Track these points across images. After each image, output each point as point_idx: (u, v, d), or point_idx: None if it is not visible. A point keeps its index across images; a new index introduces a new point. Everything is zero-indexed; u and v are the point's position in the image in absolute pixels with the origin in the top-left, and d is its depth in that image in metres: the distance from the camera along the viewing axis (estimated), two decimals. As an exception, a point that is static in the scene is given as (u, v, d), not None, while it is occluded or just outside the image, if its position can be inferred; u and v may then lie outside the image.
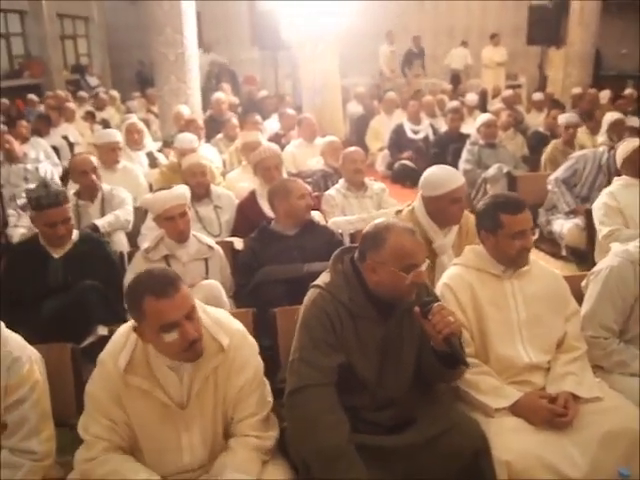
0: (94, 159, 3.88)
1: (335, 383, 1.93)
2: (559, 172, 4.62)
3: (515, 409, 2.07)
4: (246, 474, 1.81)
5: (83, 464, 1.82)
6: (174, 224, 2.88)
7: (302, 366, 1.93)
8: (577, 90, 9.20)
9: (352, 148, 4.27)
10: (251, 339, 1.98)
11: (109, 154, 4.31)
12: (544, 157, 5.51)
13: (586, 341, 2.31)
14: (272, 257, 2.93)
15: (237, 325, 1.98)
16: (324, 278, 2.04)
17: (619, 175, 3.90)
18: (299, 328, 2.00)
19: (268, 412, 1.97)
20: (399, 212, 2.98)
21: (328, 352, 1.92)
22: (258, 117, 6.60)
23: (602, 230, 3.62)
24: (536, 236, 2.29)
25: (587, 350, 2.30)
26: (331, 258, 2.08)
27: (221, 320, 1.93)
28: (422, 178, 2.86)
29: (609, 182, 4.24)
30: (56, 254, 2.95)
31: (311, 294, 2.02)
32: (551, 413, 2.03)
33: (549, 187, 4.63)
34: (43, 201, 2.88)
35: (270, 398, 2.00)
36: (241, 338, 1.93)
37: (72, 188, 3.94)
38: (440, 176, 2.80)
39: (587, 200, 4.46)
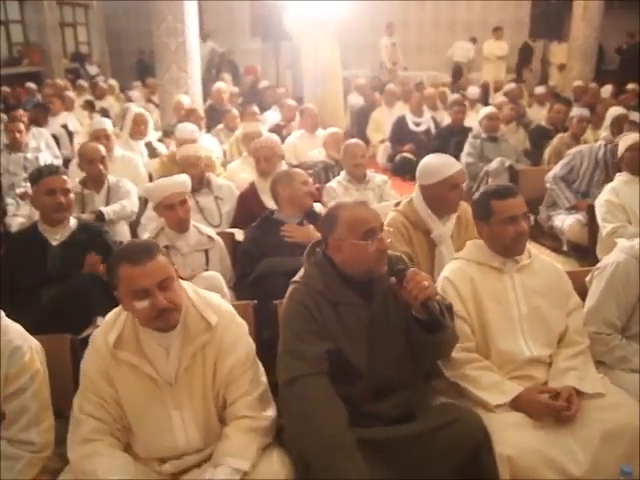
0: (102, 148, 3.85)
1: (328, 373, 1.93)
2: (557, 169, 4.63)
3: (515, 404, 2.06)
4: (243, 459, 1.81)
5: (73, 446, 1.83)
6: (174, 212, 2.87)
7: (288, 359, 1.93)
8: (578, 83, 9.18)
9: (353, 140, 4.23)
10: (240, 320, 2.01)
11: (95, 142, 4.26)
12: (549, 150, 5.51)
13: (589, 337, 2.30)
14: (274, 247, 2.92)
15: (226, 306, 2.01)
16: (299, 273, 2.07)
17: (616, 168, 3.93)
18: (281, 325, 2.02)
19: (262, 391, 1.97)
20: (397, 204, 2.98)
21: (312, 341, 1.93)
22: (256, 108, 6.56)
23: (606, 227, 3.62)
24: (532, 222, 2.27)
25: (590, 346, 2.30)
26: (305, 252, 2.10)
27: (211, 301, 1.97)
28: (419, 167, 2.86)
29: (607, 176, 4.28)
30: (54, 241, 2.93)
31: (288, 290, 2.05)
32: (550, 409, 2.02)
33: (547, 185, 4.63)
34: (42, 170, 3.00)
35: (264, 378, 2.01)
36: (230, 318, 1.96)
37: (77, 176, 3.92)
38: (437, 163, 2.79)
39: (586, 195, 4.46)
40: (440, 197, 2.76)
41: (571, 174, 4.56)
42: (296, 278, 2.06)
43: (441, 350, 2.07)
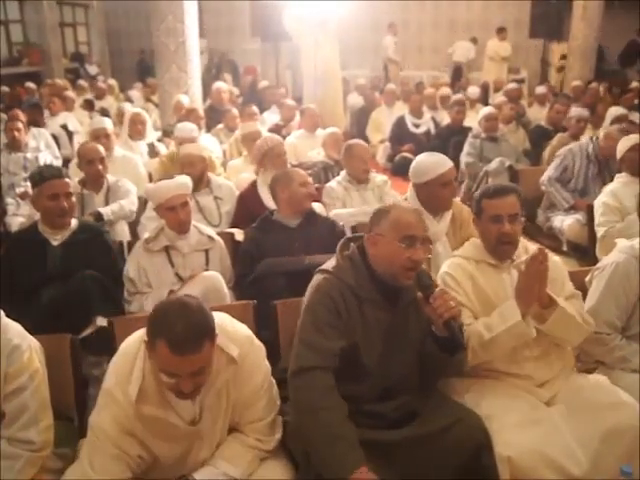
0: (102, 148, 3.85)
1: (336, 369, 1.94)
2: (550, 171, 4.63)
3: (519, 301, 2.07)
4: (234, 465, 1.81)
5: None
6: (175, 214, 2.86)
7: (302, 348, 1.95)
8: (576, 83, 9.19)
9: (357, 141, 4.17)
10: (258, 343, 1.95)
11: (95, 142, 4.25)
12: (548, 150, 5.50)
13: (589, 337, 2.30)
14: (274, 248, 2.92)
15: (243, 331, 1.93)
16: (330, 263, 2.07)
17: (606, 161, 4.05)
18: (303, 312, 2.02)
19: (275, 415, 1.96)
20: None
21: (330, 335, 1.94)
22: (255, 108, 6.56)
23: (599, 231, 3.64)
24: (522, 224, 2.27)
25: (589, 346, 2.31)
26: (338, 245, 2.12)
27: (227, 328, 1.86)
28: (412, 166, 2.92)
29: (600, 170, 4.37)
30: (55, 241, 2.93)
31: (316, 279, 2.05)
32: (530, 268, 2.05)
33: (543, 188, 4.64)
34: (45, 173, 2.94)
35: (278, 400, 1.99)
36: (249, 344, 1.89)
37: (76, 176, 3.91)
38: (428, 162, 2.86)
39: (585, 193, 4.47)
40: (433, 195, 2.82)
41: (566, 173, 4.57)
42: (326, 268, 2.05)
43: (450, 367, 2.09)
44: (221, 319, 1.87)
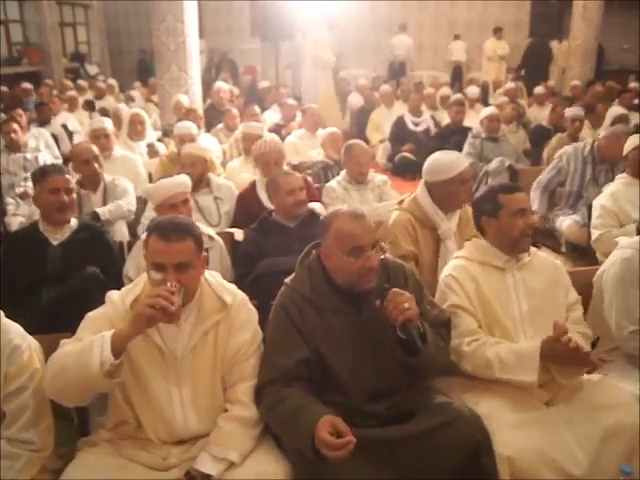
0: (95, 148, 3.84)
1: (313, 380, 1.95)
2: (543, 175, 4.62)
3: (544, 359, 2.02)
4: (228, 449, 1.83)
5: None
6: (176, 212, 2.86)
7: (262, 367, 1.98)
8: (575, 83, 9.18)
9: (356, 142, 4.13)
10: (252, 307, 2.05)
11: (95, 142, 4.27)
12: (547, 150, 5.49)
13: (626, 338, 2.32)
14: (273, 248, 2.92)
15: (241, 293, 2.07)
16: (291, 275, 2.07)
17: (605, 163, 4.09)
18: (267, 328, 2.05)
19: None
20: (401, 202, 3.00)
21: (288, 350, 1.94)
22: (256, 108, 6.55)
23: (594, 233, 3.63)
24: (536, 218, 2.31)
25: (625, 343, 2.33)
26: (301, 254, 2.10)
27: (227, 285, 2.06)
28: (427, 165, 2.89)
29: (597, 173, 4.38)
30: (55, 240, 2.93)
31: (279, 292, 2.07)
32: (576, 352, 1.98)
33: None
34: (47, 168, 3.02)
35: None
36: (243, 302, 2.03)
37: (73, 177, 3.90)
38: (446, 160, 2.84)
39: (580, 195, 4.46)
40: (451, 193, 2.81)
41: (559, 175, 4.55)
42: (287, 280, 2.07)
43: (426, 369, 2.06)
44: (225, 281, 2.08)
